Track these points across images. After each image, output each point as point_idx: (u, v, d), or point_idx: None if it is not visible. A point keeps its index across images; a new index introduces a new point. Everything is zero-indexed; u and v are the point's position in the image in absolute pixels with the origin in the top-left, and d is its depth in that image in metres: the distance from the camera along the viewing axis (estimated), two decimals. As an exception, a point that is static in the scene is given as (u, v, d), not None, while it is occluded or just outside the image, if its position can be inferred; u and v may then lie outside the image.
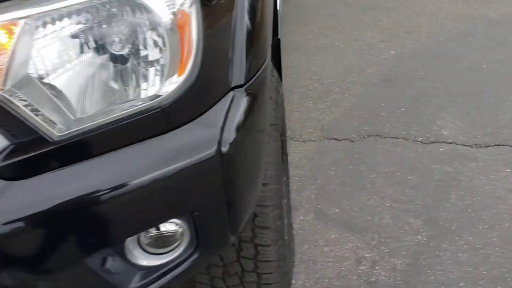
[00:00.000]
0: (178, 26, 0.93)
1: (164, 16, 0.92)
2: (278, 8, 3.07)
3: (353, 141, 2.72)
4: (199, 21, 0.98)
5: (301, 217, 2.24)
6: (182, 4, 0.95)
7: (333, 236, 2.13)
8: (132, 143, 0.94)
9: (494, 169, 2.42)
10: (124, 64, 0.93)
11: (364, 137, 2.75)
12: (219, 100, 1.06)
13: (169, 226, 1.05)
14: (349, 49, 3.78)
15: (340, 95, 3.17)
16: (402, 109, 2.96)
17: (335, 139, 2.76)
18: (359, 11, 4.50)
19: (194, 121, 1.00)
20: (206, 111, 1.02)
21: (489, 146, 2.59)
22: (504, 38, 3.77)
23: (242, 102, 1.10)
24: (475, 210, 2.19)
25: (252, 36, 1.18)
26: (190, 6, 0.96)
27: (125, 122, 0.93)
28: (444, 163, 2.48)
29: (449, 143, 2.64)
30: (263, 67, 1.22)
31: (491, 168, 2.43)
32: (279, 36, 1.97)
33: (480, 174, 2.39)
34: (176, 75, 0.96)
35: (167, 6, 0.92)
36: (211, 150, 0.98)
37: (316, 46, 3.87)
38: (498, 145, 2.60)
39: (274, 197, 1.39)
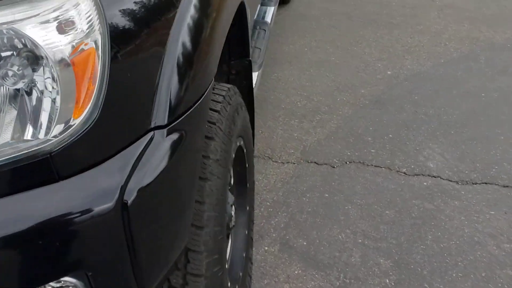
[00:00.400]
0: (74, 63, 0.81)
1: (55, 51, 0.79)
2: (268, 21, 2.95)
3: (333, 167, 2.59)
4: (106, 55, 0.85)
5: (266, 248, 2.11)
6: (82, 37, 0.82)
7: (296, 272, 1.99)
8: (15, 193, 0.82)
9: (477, 210, 2.27)
10: (11, 101, 0.81)
11: (345, 163, 2.61)
12: (132, 143, 0.93)
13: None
14: (345, 66, 3.65)
15: (328, 115, 3.04)
16: (390, 136, 2.82)
17: (315, 162, 2.62)
18: (361, 25, 4.36)
19: (97, 167, 0.87)
20: (113, 155, 0.90)
21: (476, 183, 2.44)
22: (507, 65, 3.61)
23: (163, 145, 0.97)
24: (450, 255, 2.05)
25: (187, 69, 1.06)
26: (95, 38, 0.84)
27: (8, 168, 0.81)
28: (425, 199, 2.34)
29: (434, 177, 2.49)
30: (200, 102, 1.10)
31: (474, 209, 2.28)
32: (250, 57, 1.84)
33: (462, 215, 2.24)
34: (71, 117, 0.83)
35: (61, 39, 0.80)
36: (109, 203, 0.86)
37: (311, 60, 3.74)
38: (486, 183, 2.45)
39: (212, 241, 1.26)
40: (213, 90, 1.49)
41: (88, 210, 0.84)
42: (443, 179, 2.48)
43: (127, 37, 0.91)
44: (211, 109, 1.39)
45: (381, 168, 2.57)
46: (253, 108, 2.00)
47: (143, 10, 0.97)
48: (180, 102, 1.02)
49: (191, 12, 1.15)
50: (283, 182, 2.48)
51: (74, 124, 0.84)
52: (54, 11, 0.80)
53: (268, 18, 3.01)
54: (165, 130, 0.98)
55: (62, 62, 0.80)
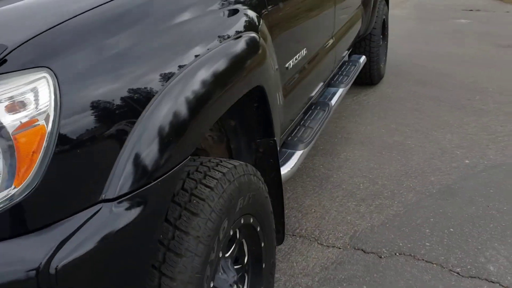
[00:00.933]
0: (16, 138, 0.90)
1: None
2: (331, 103, 2.95)
3: (380, 257, 2.43)
4: (54, 133, 0.94)
5: (285, 335, 2.01)
6: (33, 115, 0.92)
7: None
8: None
9: (536, 328, 1.97)
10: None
11: (394, 254, 2.44)
12: (76, 213, 0.99)
13: None
14: (420, 151, 3.48)
15: (389, 201, 2.89)
16: (450, 230, 2.60)
17: (362, 250, 2.49)
18: (447, 110, 4.18)
19: (29, 234, 0.93)
20: (52, 224, 0.95)
21: (541, 296, 2.13)
22: None
23: (108, 218, 1.01)
24: None
25: (152, 149, 1.10)
26: (46, 116, 0.93)
27: None
28: (474, 306, 2.09)
29: (492, 282, 2.22)
30: (162, 179, 1.13)
31: (532, 326, 1.98)
32: (275, 138, 1.86)
33: (515, 331, 1.96)
34: (12, 185, 0.92)
35: (8, 116, 0.90)
36: (30, 272, 0.90)
37: (386, 142, 3.63)
38: (555, 297, 2.12)
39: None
40: (216, 166, 1.52)
41: (6, 277, 0.89)
42: (503, 286, 2.20)
43: (83, 118, 0.99)
44: (204, 185, 1.42)
45: (432, 264, 2.35)
46: (281, 187, 1.99)
47: (107, 91, 1.05)
48: (137, 178, 1.07)
49: (173, 95, 1.22)
50: (322, 267, 2.38)
51: (14, 191, 0.92)
52: (8, 92, 0.91)
53: (333, 100, 3.02)
54: (113, 204, 1.02)
55: (4, 136, 0.90)
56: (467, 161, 3.31)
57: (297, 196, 2.98)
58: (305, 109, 2.78)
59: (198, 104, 1.30)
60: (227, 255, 1.64)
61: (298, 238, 2.60)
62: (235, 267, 1.72)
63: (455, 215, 2.72)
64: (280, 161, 2.31)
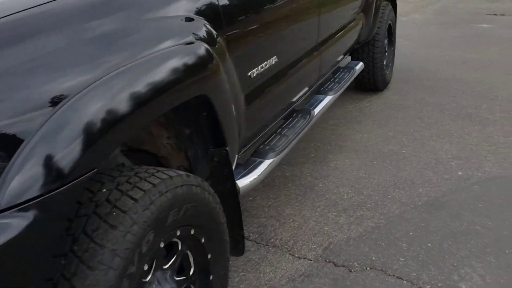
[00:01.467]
0: None
1: None
2: (313, 111, 2.90)
3: (350, 271, 2.36)
4: None
5: None
6: None
7: None
8: None
9: None
10: None
11: (366, 268, 2.37)
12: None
13: None
14: (413, 161, 3.39)
15: (370, 212, 2.82)
16: (428, 245, 2.51)
17: (333, 263, 2.43)
18: (451, 119, 4.05)
19: None
20: None
21: (510, 319, 2.03)
22: None
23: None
24: None
25: (46, 160, 1.09)
26: None
27: None
28: (437, 327, 2.01)
29: (461, 302, 2.14)
30: (57, 192, 1.11)
31: None
32: (227, 147, 1.83)
33: None
34: None
35: None
36: None
37: (380, 151, 3.55)
38: (525, 321, 2.02)
39: None
40: (150, 177, 1.50)
41: None
42: (472, 306, 2.11)
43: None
44: (129, 197, 1.40)
45: (402, 280, 2.28)
46: (237, 196, 1.96)
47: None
48: (29, 189, 1.06)
49: (92, 97, 1.22)
50: (289, 279, 2.33)
51: None
52: None
53: (318, 108, 2.97)
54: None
55: None
56: (460, 173, 3.19)
57: (279, 205, 2.94)
58: (285, 116, 2.74)
59: (118, 108, 1.28)
60: (165, 266, 1.62)
61: (271, 248, 2.56)
62: (179, 278, 1.71)
63: (437, 229, 2.63)
64: (247, 169, 2.29)
